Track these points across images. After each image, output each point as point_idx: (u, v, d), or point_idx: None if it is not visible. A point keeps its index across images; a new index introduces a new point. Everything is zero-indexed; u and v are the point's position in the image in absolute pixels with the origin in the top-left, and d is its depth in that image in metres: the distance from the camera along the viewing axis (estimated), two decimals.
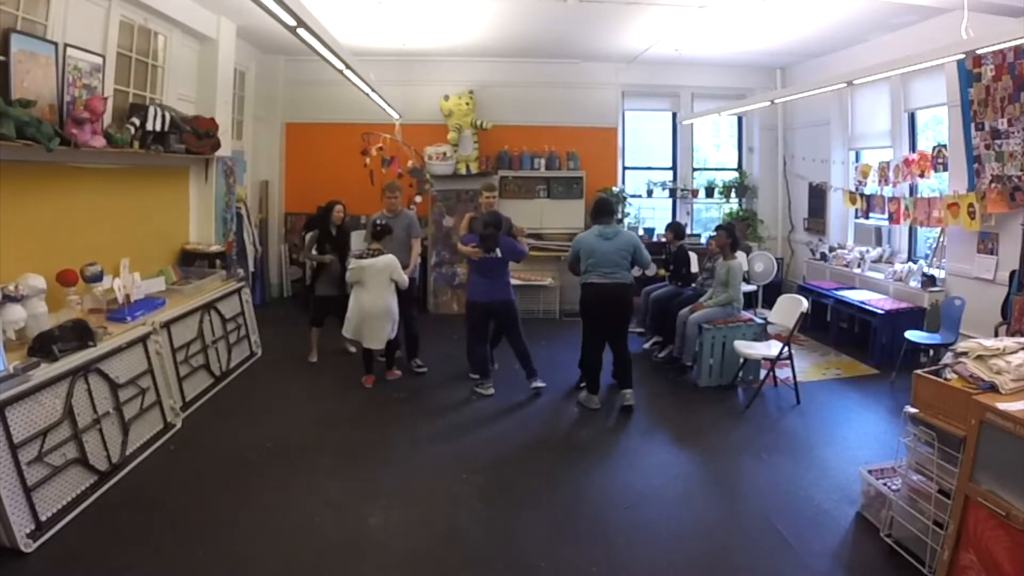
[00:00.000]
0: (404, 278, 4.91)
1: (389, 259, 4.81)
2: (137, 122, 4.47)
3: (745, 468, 3.84)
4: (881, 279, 6.37)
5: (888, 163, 6.29)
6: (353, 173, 7.30)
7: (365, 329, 4.80)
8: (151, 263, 5.01)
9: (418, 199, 7.41)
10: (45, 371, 3.10)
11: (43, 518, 2.90)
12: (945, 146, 5.58)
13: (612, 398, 4.82)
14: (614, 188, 8.15)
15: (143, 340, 3.97)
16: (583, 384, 4.87)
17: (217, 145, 5.66)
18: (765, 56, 7.21)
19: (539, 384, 4.94)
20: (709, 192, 8.60)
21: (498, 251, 4.82)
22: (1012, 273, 4.69)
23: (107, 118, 4.27)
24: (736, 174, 8.71)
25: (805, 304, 4.97)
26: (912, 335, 5.24)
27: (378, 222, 5.00)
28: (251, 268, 7.00)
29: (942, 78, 5.49)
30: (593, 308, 4.64)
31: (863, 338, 5.99)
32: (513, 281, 5.20)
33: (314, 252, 5.63)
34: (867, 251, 6.80)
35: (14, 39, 3.49)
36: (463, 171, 7.85)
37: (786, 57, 7.58)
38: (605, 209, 4.77)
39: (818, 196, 7.66)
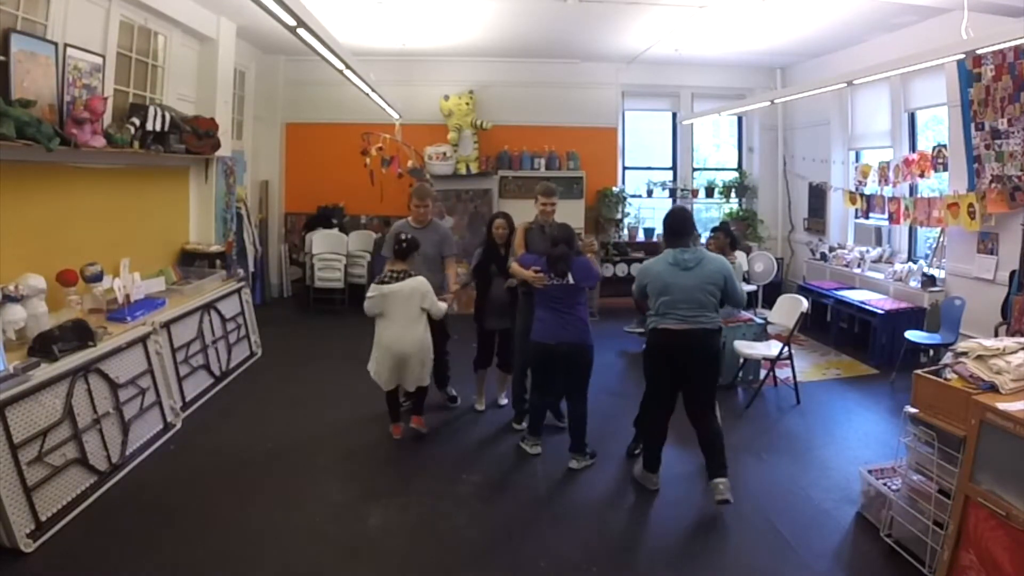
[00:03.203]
0: (439, 306, 3.98)
1: (418, 282, 3.91)
2: (137, 122, 4.47)
3: (745, 468, 3.83)
4: (881, 279, 6.37)
5: (888, 163, 6.30)
6: (353, 173, 7.32)
7: (396, 374, 3.96)
8: (151, 263, 5.01)
9: None
10: (45, 371, 3.10)
11: (43, 518, 2.90)
12: (945, 146, 5.58)
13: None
14: (614, 188, 8.15)
15: (143, 340, 3.97)
16: (638, 451, 3.78)
17: (217, 145, 5.66)
18: (765, 56, 7.22)
19: (578, 465, 3.78)
20: (709, 192, 8.60)
21: (570, 276, 3.69)
22: (1012, 273, 4.69)
23: (107, 118, 4.27)
24: (736, 174, 8.72)
25: (805, 304, 4.96)
26: (912, 335, 5.24)
27: (403, 236, 4.00)
28: (251, 268, 7.00)
29: (942, 78, 5.49)
30: (664, 360, 3.41)
31: (863, 338, 5.99)
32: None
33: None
34: (867, 251, 6.81)
35: (14, 39, 3.49)
36: (463, 171, 7.86)
37: (786, 57, 7.58)
38: (681, 227, 3.45)
39: (818, 196, 7.66)
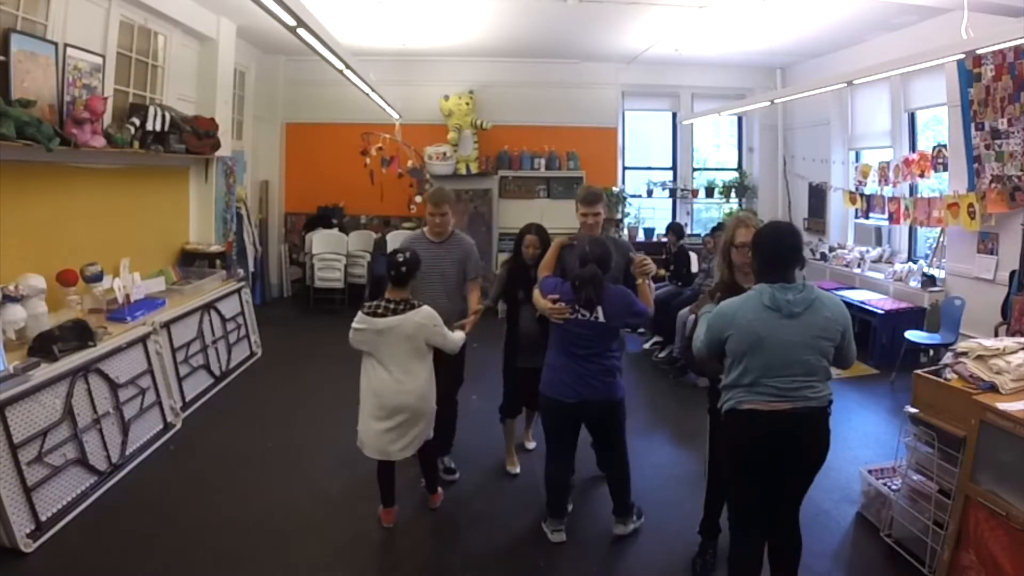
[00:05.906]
0: (453, 338, 3.05)
1: (423, 316, 2.93)
2: (137, 122, 4.47)
3: None
4: (881, 279, 6.37)
5: (888, 163, 6.30)
6: (353, 173, 7.33)
7: (386, 435, 2.93)
8: (151, 263, 5.01)
9: (418, 199, 7.42)
10: (45, 371, 3.10)
11: (43, 518, 2.90)
12: (945, 146, 5.58)
13: None
14: (614, 188, 8.15)
15: (143, 340, 3.97)
16: (711, 552, 2.87)
17: (217, 145, 5.66)
18: (765, 56, 7.21)
19: (625, 530, 3.05)
20: (709, 192, 8.61)
21: (599, 311, 2.79)
22: (1012, 273, 4.69)
23: (107, 118, 4.27)
24: (736, 174, 8.72)
25: None
26: (912, 335, 5.24)
27: (400, 256, 2.98)
28: (251, 268, 7.00)
29: (942, 78, 5.49)
30: (755, 458, 2.32)
31: (863, 338, 5.94)
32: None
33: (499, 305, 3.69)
34: (867, 251, 6.81)
35: (14, 39, 3.49)
36: (463, 171, 7.86)
37: (786, 57, 7.58)
38: (781, 253, 2.30)
39: (818, 196, 7.66)
